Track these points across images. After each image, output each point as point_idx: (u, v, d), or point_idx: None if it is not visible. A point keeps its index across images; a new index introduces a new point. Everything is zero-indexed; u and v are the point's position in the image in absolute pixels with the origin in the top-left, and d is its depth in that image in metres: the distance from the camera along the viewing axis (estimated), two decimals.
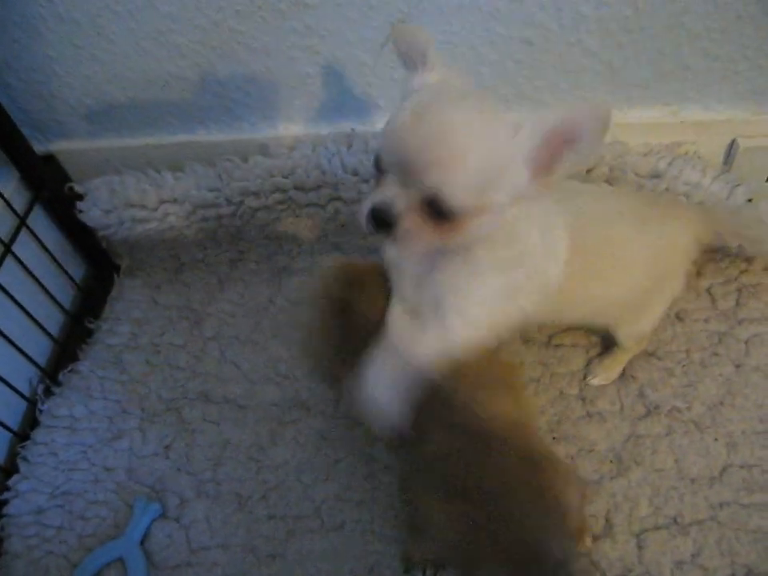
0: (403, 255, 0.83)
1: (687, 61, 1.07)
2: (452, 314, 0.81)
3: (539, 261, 0.82)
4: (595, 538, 1.01)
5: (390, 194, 0.69)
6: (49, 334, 1.29)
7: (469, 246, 0.76)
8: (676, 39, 1.04)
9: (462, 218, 0.69)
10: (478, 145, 0.66)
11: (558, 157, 0.67)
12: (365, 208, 0.71)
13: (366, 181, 1.20)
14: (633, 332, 1.09)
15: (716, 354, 1.18)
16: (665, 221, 0.96)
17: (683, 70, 1.09)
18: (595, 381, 1.16)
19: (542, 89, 1.13)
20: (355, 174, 1.19)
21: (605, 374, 1.16)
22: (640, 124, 1.16)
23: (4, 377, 1.14)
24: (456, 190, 0.67)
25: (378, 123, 1.19)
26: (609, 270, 0.91)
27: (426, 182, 0.67)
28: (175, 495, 1.11)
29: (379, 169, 0.71)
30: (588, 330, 1.20)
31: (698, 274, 1.27)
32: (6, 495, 1.13)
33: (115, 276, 1.44)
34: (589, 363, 1.19)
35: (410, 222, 0.70)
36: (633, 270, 0.94)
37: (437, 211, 0.68)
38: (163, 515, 1.10)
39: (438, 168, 0.66)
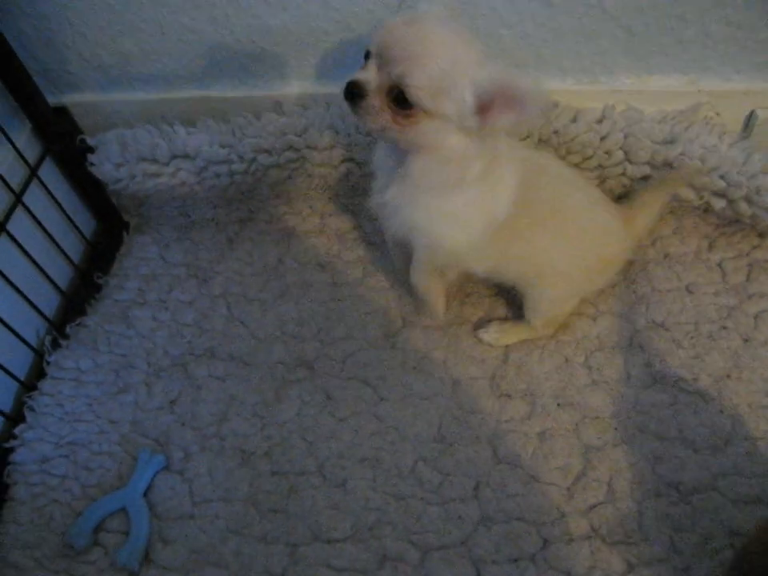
0: (367, 128, 0.95)
1: (708, 28, 1.06)
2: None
3: (477, 194, 0.96)
4: (597, 504, 1.02)
5: (366, 74, 0.85)
6: (57, 287, 1.29)
7: (418, 153, 0.91)
8: (699, 4, 1.02)
9: (416, 113, 0.83)
10: (442, 55, 0.81)
11: (499, 112, 0.82)
12: (345, 82, 0.86)
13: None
14: (547, 309, 1.13)
15: (724, 328, 1.17)
16: (614, 215, 1.08)
17: (704, 38, 1.07)
18: (484, 336, 1.18)
19: (561, 53, 1.11)
20: (368, 134, 1.18)
21: (497, 335, 1.18)
22: (657, 92, 1.15)
23: (12, 327, 1.15)
24: (415, 82, 0.80)
25: None
26: (556, 229, 1.03)
27: (395, 70, 0.81)
28: (179, 449, 1.12)
29: (365, 57, 0.86)
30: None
31: (710, 247, 1.26)
32: (12, 443, 1.13)
33: (124, 233, 1.44)
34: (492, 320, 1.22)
35: (376, 99, 0.84)
36: (579, 240, 1.06)
37: (398, 99, 0.83)
38: (167, 468, 1.11)
39: (405, 61, 0.80)
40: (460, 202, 0.96)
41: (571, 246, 1.06)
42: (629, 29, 1.06)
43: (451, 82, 0.81)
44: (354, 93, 0.85)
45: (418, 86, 0.80)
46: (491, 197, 0.96)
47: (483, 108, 0.82)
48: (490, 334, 1.18)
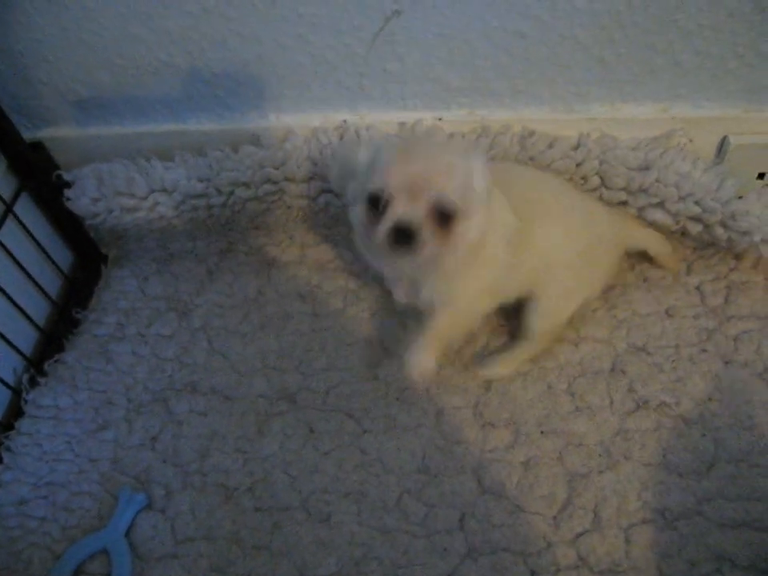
0: (414, 265, 0.97)
1: (679, 58, 1.07)
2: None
3: (501, 253, 1.01)
4: (583, 532, 1.01)
5: (406, 210, 0.87)
6: (35, 324, 1.28)
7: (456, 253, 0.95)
8: (668, 36, 1.04)
9: (457, 220, 0.89)
10: (450, 162, 0.90)
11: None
12: (382, 229, 0.88)
13: None
14: (554, 311, 1.14)
15: (705, 351, 1.18)
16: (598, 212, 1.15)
17: (674, 67, 1.09)
18: (487, 373, 1.17)
19: (535, 82, 1.13)
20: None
21: (499, 368, 1.18)
22: (631, 119, 1.16)
23: None
24: (452, 191, 0.87)
25: (370, 115, 1.19)
26: (555, 220, 1.07)
27: (433, 189, 0.86)
28: (161, 486, 1.10)
29: (377, 202, 0.89)
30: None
31: (688, 270, 1.27)
32: None
33: (102, 266, 1.43)
34: (486, 355, 1.21)
35: (426, 230, 0.87)
36: (576, 224, 1.10)
37: (441, 214, 0.87)
38: (148, 506, 1.08)
39: (438, 178, 0.87)
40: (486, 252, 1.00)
41: (571, 231, 1.09)
42: (601, 59, 1.08)
43: (466, 178, 0.90)
44: (408, 235, 0.87)
45: (455, 195, 0.87)
46: (500, 219, 0.99)
47: None
48: (493, 369, 1.18)
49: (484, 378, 1.18)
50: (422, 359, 1.07)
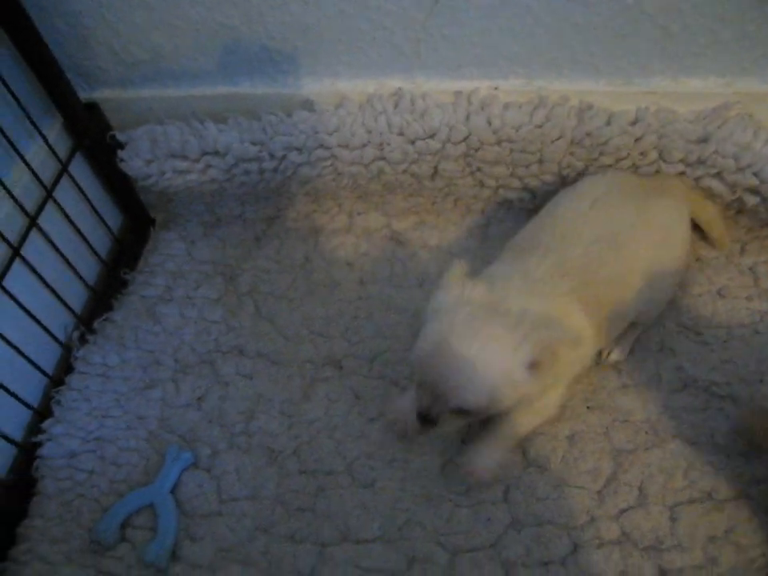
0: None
1: (748, 29, 1.04)
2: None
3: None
4: (627, 508, 1.01)
5: (427, 404, 0.88)
6: (85, 282, 1.29)
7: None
8: (739, 4, 1.01)
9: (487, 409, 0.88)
10: (486, 372, 0.84)
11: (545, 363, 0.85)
12: (412, 407, 0.93)
13: (413, 142, 1.18)
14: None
15: (757, 333, 1.16)
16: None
17: (742, 39, 1.06)
18: (614, 356, 1.15)
19: (596, 54, 1.10)
20: (401, 134, 1.17)
21: (620, 348, 1.15)
22: (691, 93, 1.13)
23: (41, 321, 1.15)
24: (472, 404, 0.85)
25: (426, 83, 1.18)
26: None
27: (450, 400, 0.85)
28: (206, 446, 1.12)
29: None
30: None
31: (742, 251, 1.25)
32: (40, 437, 1.13)
33: (151, 229, 1.45)
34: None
35: (445, 418, 0.89)
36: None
37: (464, 412, 0.87)
38: (194, 465, 1.10)
39: (456, 392, 0.85)
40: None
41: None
42: (666, 29, 1.05)
43: (501, 384, 0.85)
44: (428, 421, 0.90)
45: (477, 404, 0.85)
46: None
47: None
48: (616, 352, 1.15)
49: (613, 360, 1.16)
50: (493, 462, 1.03)
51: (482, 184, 1.26)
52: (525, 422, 1.02)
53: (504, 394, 0.86)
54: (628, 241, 1.02)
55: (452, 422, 0.91)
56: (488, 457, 1.02)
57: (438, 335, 0.86)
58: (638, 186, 1.13)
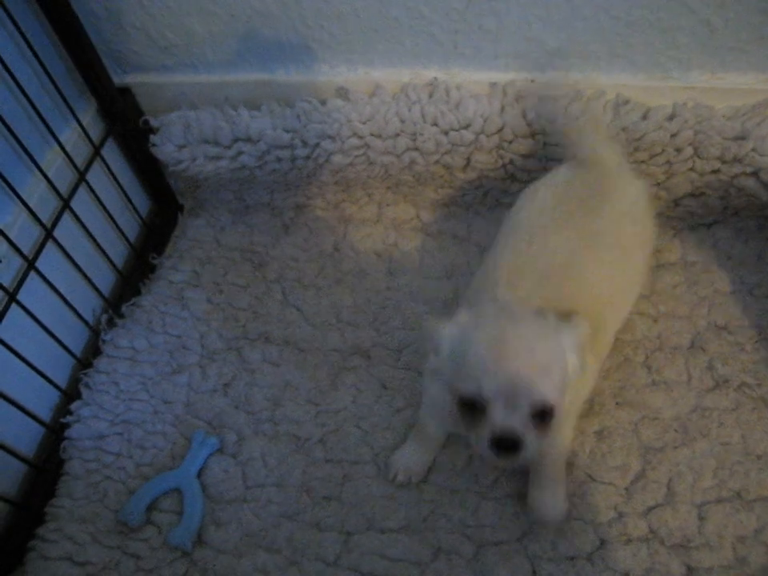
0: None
1: None
2: None
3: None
4: (655, 506, 1.00)
5: (509, 419, 0.79)
6: (114, 266, 1.30)
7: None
8: None
9: (555, 412, 0.81)
10: (552, 356, 0.81)
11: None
12: (484, 439, 0.80)
13: (446, 132, 1.18)
14: None
15: None
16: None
17: None
18: None
19: (635, 47, 1.09)
20: (435, 124, 1.17)
21: None
22: (730, 89, 1.12)
23: (71, 303, 1.16)
24: (553, 394, 0.79)
25: (461, 74, 1.17)
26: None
27: (535, 396, 0.78)
28: (233, 432, 1.12)
29: (474, 404, 0.80)
30: None
31: None
32: (68, 419, 1.14)
33: (179, 215, 1.45)
34: None
35: (530, 434, 0.80)
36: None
37: (541, 417, 0.80)
38: (220, 450, 1.11)
39: (537, 381, 0.79)
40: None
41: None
42: (708, 23, 1.04)
43: (562, 367, 0.82)
44: (513, 446, 0.81)
45: (555, 396, 0.81)
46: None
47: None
48: None
49: None
50: (560, 499, 1.01)
51: (513, 177, 1.25)
52: (560, 451, 0.99)
53: (569, 382, 0.83)
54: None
55: (532, 442, 0.81)
56: (553, 497, 1.00)
57: (490, 341, 0.81)
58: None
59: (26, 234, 1.08)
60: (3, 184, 1.02)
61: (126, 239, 1.34)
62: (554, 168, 1.07)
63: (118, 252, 1.34)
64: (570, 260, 0.94)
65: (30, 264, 1.06)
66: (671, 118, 1.13)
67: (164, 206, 1.45)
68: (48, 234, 1.10)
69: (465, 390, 0.80)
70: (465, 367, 0.81)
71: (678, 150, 1.14)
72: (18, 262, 1.06)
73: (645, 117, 1.14)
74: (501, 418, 0.79)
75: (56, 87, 1.12)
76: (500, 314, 0.84)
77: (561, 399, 0.81)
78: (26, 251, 1.06)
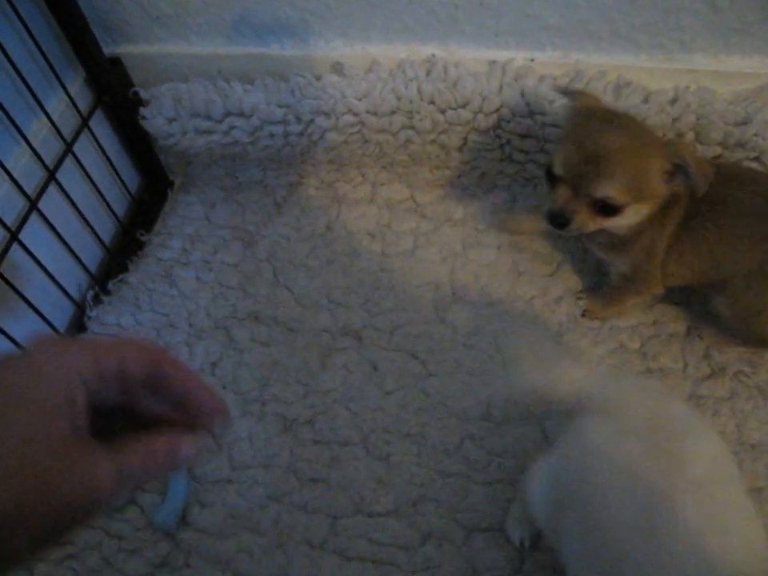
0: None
1: None
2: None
3: None
4: None
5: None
6: (101, 241, 1.27)
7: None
8: None
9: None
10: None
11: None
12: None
13: (443, 111, 1.15)
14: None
15: None
16: None
17: None
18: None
19: (637, 27, 1.07)
20: (432, 102, 1.14)
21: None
22: (733, 73, 1.10)
23: (56, 278, 1.13)
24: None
25: (460, 51, 1.14)
26: None
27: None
28: None
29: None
30: None
31: None
32: None
33: (169, 191, 1.42)
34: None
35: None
36: None
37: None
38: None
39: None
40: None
41: None
42: (713, 4, 1.01)
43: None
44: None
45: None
46: None
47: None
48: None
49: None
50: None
51: (510, 158, 1.23)
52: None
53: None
54: None
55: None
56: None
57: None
58: None
59: (9, 206, 1.05)
60: None
61: (114, 214, 1.31)
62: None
63: (106, 227, 1.30)
64: None
65: (13, 236, 1.03)
66: (673, 101, 1.11)
67: (153, 181, 1.42)
68: (32, 205, 1.07)
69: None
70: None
71: (680, 135, 1.12)
72: (0, 234, 1.03)
73: (646, 100, 1.11)
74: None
75: (43, 55, 1.08)
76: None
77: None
78: (9, 223, 1.03)
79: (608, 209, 0.90)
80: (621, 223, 0.94)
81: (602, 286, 1.18)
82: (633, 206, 0.91)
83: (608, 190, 0.88)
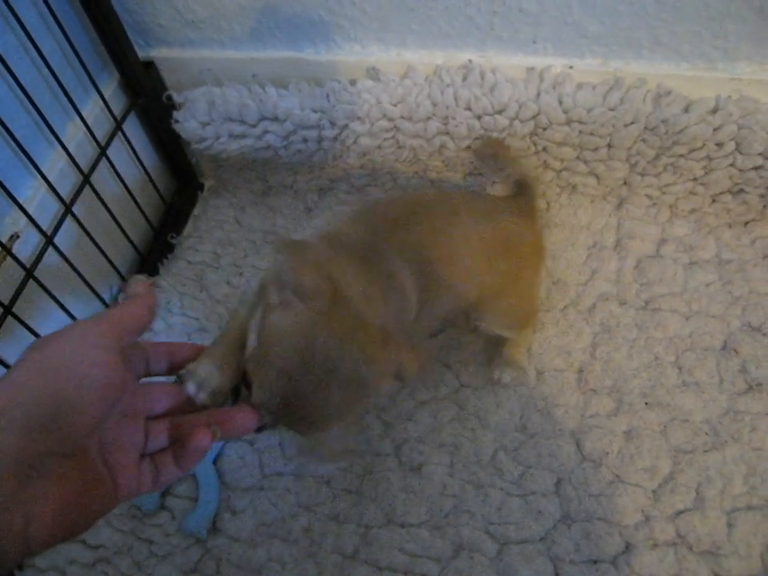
0: None
1: None
2: None
3: None
4: (684, 510, 0.97)
5: None
6: (132, 244, 1.27)
7: None
8: None
9: None
10: None
11: None
12: None
13: (479, 117, 1.14)
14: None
15: None
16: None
17: None
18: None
19: (680, 35, 1.05)
20: (468, 108, 1.13)
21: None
22: None
23: (87, 281, 1.13)
24: None
25: (497, 57, 1.13)
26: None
27: None
28: None
29: None
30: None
31: None
32: None
33: (199, 194, 1.42)
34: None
35: None
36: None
37: None
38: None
39: None
40: None
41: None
42: (761, 11, 0.99)
43: None
44: None
45: None
46: None
47: None
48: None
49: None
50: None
51: (546, 165, 1.21)
52: None
53: None
54: None
55: None
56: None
57: None
58: None
59: (44, 210, 1.05)
60: (24, 158, 0.99)
61: (146, 217, 1.31)
62: None
63: (137, 230, 1.31)
64: None
65: (49, 240, 1.04)
66: (714, 111, 1.09)
67: (185, 184, 1.42)
68: (67, 209, 1.07)
69: None
70: None
71: (719, 145, 1.10)
72: (35, 238, 1.03)
73: (686, 109, 1.09)
74: None
75: (79, 59, 1.08)
76: None
77: None
78: (44, 227, 1.03)
79: None
80: None
81: None
82: None
83: None
